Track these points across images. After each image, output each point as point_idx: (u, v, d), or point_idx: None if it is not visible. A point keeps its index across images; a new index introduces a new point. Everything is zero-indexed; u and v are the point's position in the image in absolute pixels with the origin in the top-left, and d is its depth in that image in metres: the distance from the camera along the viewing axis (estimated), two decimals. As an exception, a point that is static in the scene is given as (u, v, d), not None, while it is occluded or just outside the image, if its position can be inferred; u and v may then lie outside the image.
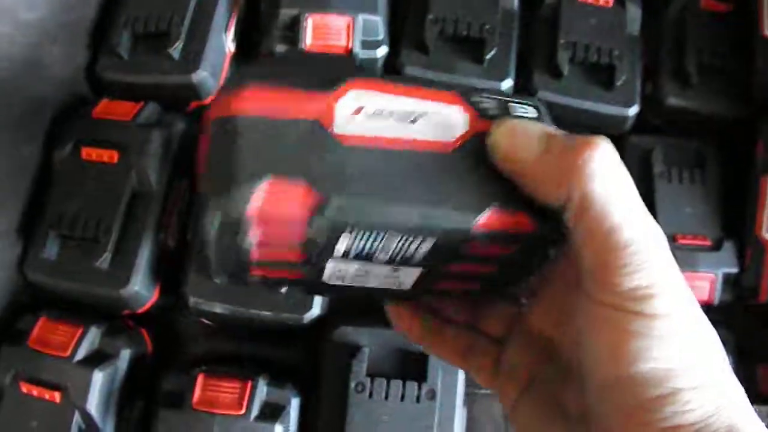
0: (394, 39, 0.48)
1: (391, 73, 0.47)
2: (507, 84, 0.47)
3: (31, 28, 0.42)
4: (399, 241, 0.26)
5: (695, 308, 0.24)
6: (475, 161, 0.25)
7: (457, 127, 0.26)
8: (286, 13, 0.45)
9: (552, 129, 0.26)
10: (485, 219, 0.25)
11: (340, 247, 0.25)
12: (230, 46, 0.48)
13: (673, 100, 0.48)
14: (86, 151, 0.43)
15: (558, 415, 0.30)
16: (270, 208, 0.23)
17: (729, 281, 0.47)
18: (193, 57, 0.45)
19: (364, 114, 0.25)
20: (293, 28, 0.45)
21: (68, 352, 0.41)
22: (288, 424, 0.41)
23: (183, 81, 0.45)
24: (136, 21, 0.45)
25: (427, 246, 0.26)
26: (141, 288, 0.42)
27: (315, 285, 0.29)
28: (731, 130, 0.50)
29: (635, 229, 0.23)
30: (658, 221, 0.44)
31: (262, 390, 0.41)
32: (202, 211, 0.23)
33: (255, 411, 0.40)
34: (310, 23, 0.45)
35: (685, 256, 0.46)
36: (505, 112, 0.26)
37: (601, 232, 0.23)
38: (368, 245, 0.26)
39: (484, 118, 0.26)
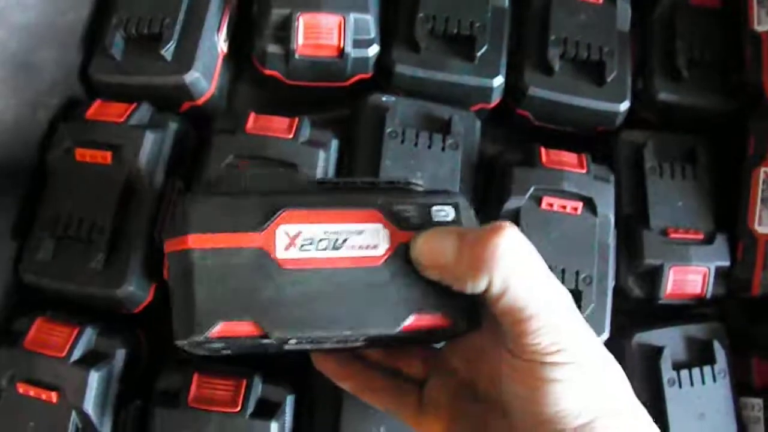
0: (386, 37, 0.48)
1: (384, 70, 0.48)
2: (498, 81, 0.47)
3: (23, 31, 0.42)
4: (338, 340, 0.31)
5: (597, 350, 0.30)
6: (399, 270, 0.30)
7: (381, 243, 0.30)
8: (277, 13, 0.45)
9: (462, 229, 0.30)
10: (408, 324, 0.30)
11: (291, 342, 0.31)
12: (223, 47, 0.48)
13: (663, 95, 0.49)
14: (80, 152, 0.43)
15: None
16: (225, 335, 0.29)
17: (721, 275, 0.47)
18: (185, 58, 0.45)
19: (300, 240, 0.30)
20: (285, 27, 0.45)
21: (64, 353, 0.41)
22: (284, 421, 0.41)
23: (175, 82, 0.45)
24: (128, 22, 0.46)
25: (362, 340, 0.31)
26: (136, 288, 0.42)
27: (279, 353, 0.35)
28: (722, 124, 0.50)
29: (539, 302, 0.29)
30: (649, 215, 0.45)
31: (257, 387, 0.41)
32: (174, 334, 0.30)
33: (250, 408, 0.40)
34: (301, 23, 0.45)
35: (677, 250, 0.46)
36: (425, 218, 0.31)
37: (515, 309, 0.29)
38: (313, 342, 0.31)
39: (405, 230, 0.31)
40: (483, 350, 0.36)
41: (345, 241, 0.30)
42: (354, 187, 0.33)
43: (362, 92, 0.48)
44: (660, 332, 0.46)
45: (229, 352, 0.34)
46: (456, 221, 0.31)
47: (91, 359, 0.41)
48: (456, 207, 0.32)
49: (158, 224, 0.43)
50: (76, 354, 0.41)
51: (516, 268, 0.28)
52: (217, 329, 0.29)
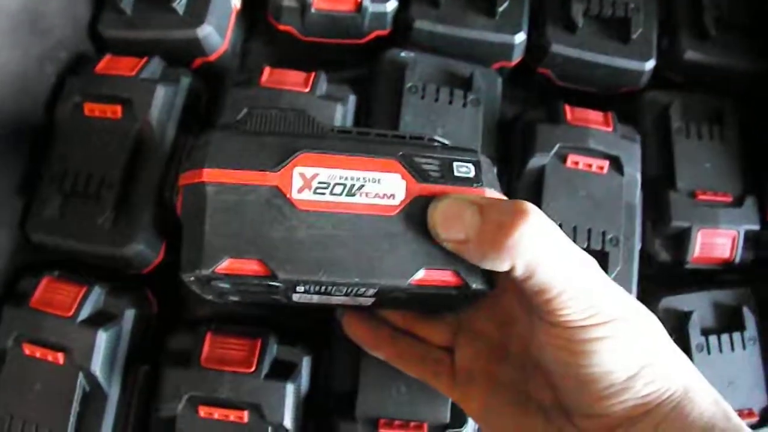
0: (404, -8, 0.46)
1: (402, 27, 0.46)
2: (520, 38, 0.46)
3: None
4: (347, 288, 0.30)
5: (629, 303, 0.30)
6: (413, 224, 0.29)
7: (397, 193, 0.29)
8: (293, -33, 0.44)
9: (483, 201, 0.29)
10: (418, 278, 0.29)
11: (299, 289, 0.30)
12: (236, 2, 0.47)
13: (690, 54, 0.47)
14: (89, 106, 0.42)
15: (532, 408, 0.33)
16: (232, 272, 0.28)
17: (750, 238, 0.45)
18: (198, 11, 0.44)
19: (316, 183, 0.29)
20: (301, -19, 0.44)
21: (71, 312, 0.39)
22: (300, 382, 0.39)
23: (188, 36, 0.44)
24: (138, -25, 0.44)
25: (372, 290, 0.30)
26: (145, 247, 0.40)
27: (287, 303, 0.34)
28: (749, 85, 0.49)
29: (565, 278, 0.28)
30: (676, 178, 0.44)
31: (273, 348, 0.40)
32: (181, 267, 0.29)
33: (265, 369, 0.38)
34: (319, -23, 0.44)
35: (705, 213, 0.44)
36: (445, 172, 0.30)
37: (541, 290, 0.28)
38: (322, 289, 0.30)
39: (424, 182, 0.30)
40: (511, 311, 0.35)
41: (361, 187, 0.29)
42: (376, 138, 0.31)
43: (378, 51, 0.46)
44: (687, 297, 0.45)
45: (236, 297, 0.33)
46: (477, 179, 0.30)
47: (98, 319, 0.40)
48: (477, 165, 0.31)
49: (169, 182, 0.42)
50: (84, 314, 0.40)
51: (541, 255, 0.28)
52: (224, 265, 0.28)
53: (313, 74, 0.43)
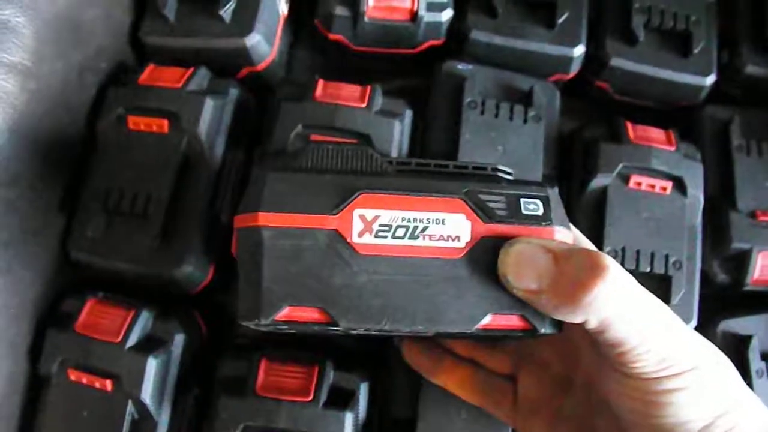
0: (460, 1, 0.44)
1: (456, 37, 0.44)
2: (579, 50, 0.44)
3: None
4: (407, 332, 0.28)
5: (706, 351, 0.29)
6: (479, 266, 0.28)
7: (462, 235, 0.28)
8: (346, -28, 0.42)
9: (558, 250, 0.27)
10: (484, 324, 0.28)
11: (359, 330, 0.28)
12: (284, 8, 0.45)
13: (751, 69, 0.46)
14: (133, 120, 0.40)
15: None
16: (291, 319, 0.28)
17: (810, 262, 0.44)
18: (246, 19, 0.42)
19: (377, 226, 0.28)
20: (353, -11, 0.42)
21: (119, 338, 0.38)
22: (358, 411, 0.38)
23: (235, 45, 0.42)
24: (183, -20, 0.42)
25: (434, 333, 0.29)
26: (195, 268, 0.39)
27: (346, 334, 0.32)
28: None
29: (640, 332, 0.27)
30: (736, 197, 0.42)
31: (330, 374, 0.38)
32: (239, 314, 0.29)
33: (323, 397, 0.37)
34: (372, -17, 0.41)
35: (765, 234, 0.43)
36: (513, 211, 0.28)
37: (615, 344, 0.27)
38: (383, 331, 0.28)
39: (490, 222, 0.28)
40: (576, 345, 0.34)
41: (424, 229, 0.28)
42: (437, 170, 0.30)
43: (430, 62, 0.44)
44: (747, 320, 0.44)
45: (292, 330, 0.32)
46: (546, 218, 0.29)
47: (147, 345, 0.38)
48: (546, 201, 0.29)
49: (218, 199, 0.40)
50: (132, 339, 0.38)
51: (616, 312, 0.27)
52: (283, 313, 0.27)
53: (369, 88, 0.41)
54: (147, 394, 0.37)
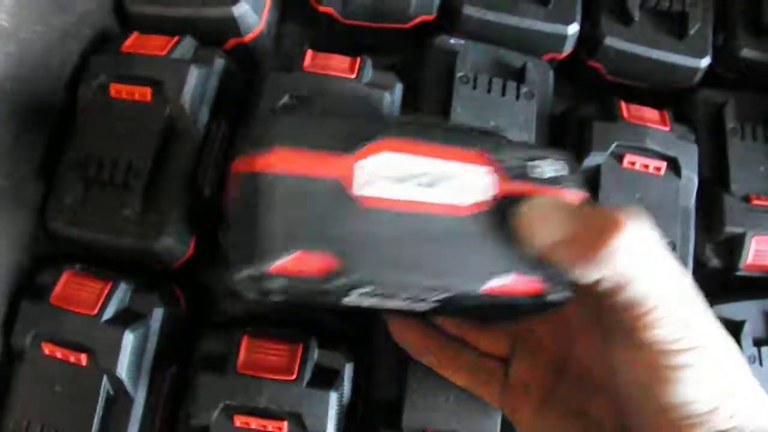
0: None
1: (449, 13, 0.43)
2: (573, 28, 0.43)
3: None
4: (412, 292, 0.27)
5: (718, 332, 0.28)
6: (492, 225, 0.26)
7: (481, 190, 0.26)
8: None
9: (575, 206, 0.27)
10: (497, 285, 0.27)
11: (358, 292, 0.27)
12: (273, -21, 0.44)
13: (747, 52, 0.45)
14: (115, 88, 0.39)
15: (590, 425, 0.31)
16: (291, 269, 0.25)
17: (804, 247, 0.44)
18: (233, -12, 0.41)
19: (385, 176, 0.26)
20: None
21: (95, 311, 0.36)
22: (342, 390, 0.37)
23: (222, 14, 0.41)
24: (168, -54, 0.41)
25: (438, 296, 0.27)
26: (175, 240, 0.37)
27: (334, 305, 0.30)
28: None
29: (659, 295, 0.26)
30: (730, 180, 0.42)
31: (314, 353, 0.37)
32: (229, 265, 0.25)
33: (307, 376, 0.36)
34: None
35: (760, 218, 0.42)
36: (535, 171, 0.27)
37: (631, 306, 0.26)
38: (384, 292, 0.27)
39: (512, 179, 0.27)
40: (575, 326, 0.33)
41: (443, 180, 0.26)
42: (454, 127, 0.29)
43: (421, 37, 0.43)
44: (739, 306, 0.43)
45: (280, 298, 0.30)
46: (567, 179, 0.28)
47: (125, 318, 0.37)
48: (567, 164, 0.28)
49: (201, 171, 0.39)
50: (109, 312, 0.37)
51: (638, 267, 0.26)
52: (288, 259, 0.24)
53: (358, 59, 0.40)
54: (123, 369, 0.36)
